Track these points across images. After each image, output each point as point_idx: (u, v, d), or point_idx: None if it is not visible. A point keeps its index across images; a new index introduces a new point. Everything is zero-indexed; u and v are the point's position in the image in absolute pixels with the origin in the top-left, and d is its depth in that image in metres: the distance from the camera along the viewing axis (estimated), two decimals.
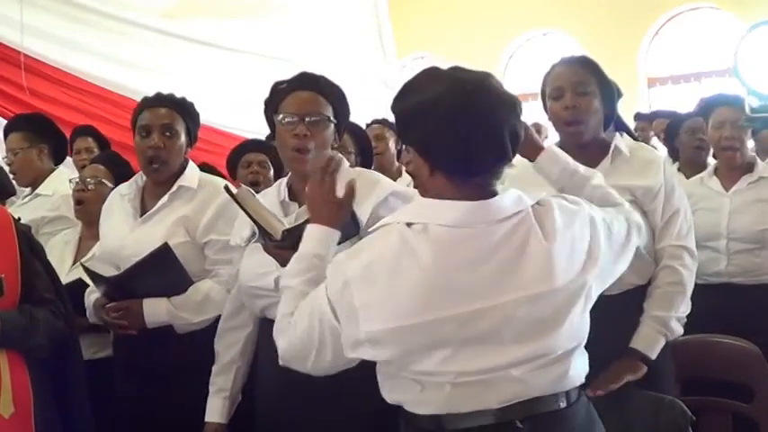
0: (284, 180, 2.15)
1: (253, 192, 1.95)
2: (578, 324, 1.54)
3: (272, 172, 3.59)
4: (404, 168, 3.72)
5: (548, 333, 1.49)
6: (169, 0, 6.79)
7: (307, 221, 1.80)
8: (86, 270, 2.40)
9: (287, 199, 2.09)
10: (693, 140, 3.91)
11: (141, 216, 2.45)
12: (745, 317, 2.86)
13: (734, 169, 3.12)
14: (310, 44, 7.10)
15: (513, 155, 1.51)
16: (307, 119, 1.99)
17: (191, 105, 2.52)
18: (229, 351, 2.17)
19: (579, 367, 1.57)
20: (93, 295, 2.46)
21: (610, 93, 2.27)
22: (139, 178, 2.53)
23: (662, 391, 2.10)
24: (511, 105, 1.49)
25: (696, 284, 2.28)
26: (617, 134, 2.30)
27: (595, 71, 2.26)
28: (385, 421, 1.67)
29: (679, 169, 3.90)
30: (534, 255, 1.47)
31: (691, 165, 3.85)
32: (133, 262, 2.32)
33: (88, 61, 6.10)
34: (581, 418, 1.56)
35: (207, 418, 2.14)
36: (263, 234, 1.87)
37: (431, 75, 1.53)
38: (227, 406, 2.15)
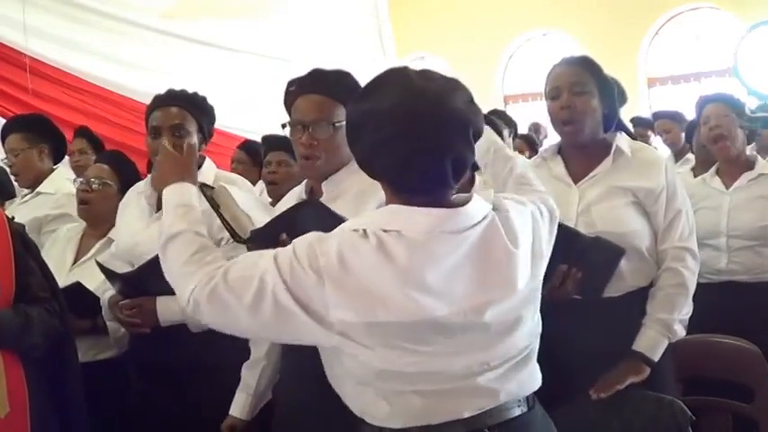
0: (302, 184, 2.13)
1: (229, 191, 1.92)
2: (533, 324, 1.56)
3: (296, 168, 3.53)
4: None
5: (510, 336, 1.49)
6: (169, 0, 6.80)
7: (272, 221, 1.79)
8: (101, 267, 2.40)
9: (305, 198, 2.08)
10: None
11: (157, 213, 2.45)
12: (747, 315, 2.86)
13: (732, 164, 3.12)
14: (310, 44, 7.11)
15: (457, 182, 1.47)
16: (311, 128, 1.96)
17: (203, 101, 2.50)
18: (258, 349, 2.14)
19: (535, 373, 1.57)
20: (108, 293, 2.45)
21: (609, 92, 2.26)
22: None
23: (662, 391, 2.10)
24: (462, 128, 1.45)
25: (698, 283, 2.28)
26: (619, 134, 2.30)
27: (594, 71, 2.26)
28: None
29: (692, 168, 3.90)
30: (502, 260, 1.47)
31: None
32: (147, 259, 2.31)
33: (89, 61, 6.12)
34: (539, 422, 1.57)
35: (231, 411, 2.12)
36: (231, 234, 1.88)
37: (391, 82, 1.47)
38: (251, 403, 2.11)
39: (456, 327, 1.43)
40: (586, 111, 2.21)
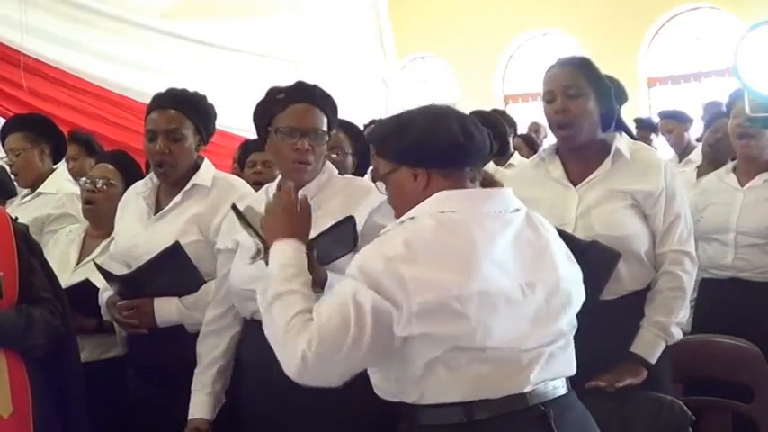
0: (273, 185, 2.17)
1: (256, 211, 1.94)
2: (574, 314, 1.66)
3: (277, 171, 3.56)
4: None
5: (560, 317, 1.59)
6: (169, 0, 6.79)
7: (314, 239, 1.80)
8: (99, 268, 2.39)
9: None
10: (710, 138, 3.93)
11: (155, 214, 2.45)
12: (752, 314, 2.85)
13: (751, 163, 3.07)
14: (310, 44, 7.11)
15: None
16: (308, 134, 2.03)
17: (202, 101, 2.49)
18: (212, 353, 2.18)
19: (573, 357, 1.66)
20: (106, 293, 2.45)
21: (605, 92, 2.24)
22: (154, 176, 2.52)
23: (659, 391, 2.10)
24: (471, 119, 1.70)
25: (703, 279, 2.27)
26: (618, 135, 2.28)
27: (588, 72, 2.24)
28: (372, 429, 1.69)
29: (698, 167, 3.90)
30: (542, 247, 1.62)
31: (711, 164, 3.88)
32: (145, 260, 2.31)
33: (88, 61, 6.10)
34: (579, 405, 1.65)
35: (190, 415, 2.14)
36: (267, 253, 1.85)
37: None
38: (211, 402, 2.15)
39: (518, 300, 1.52)
40: (581, 114, 2.20)
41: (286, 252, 1.65)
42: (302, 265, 1.64)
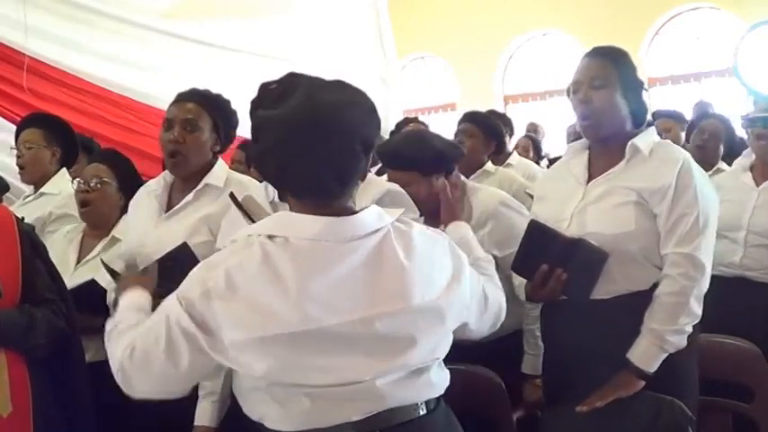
0: None
1: (256, 200, 1.94)
2: (438, 342, 1.56)
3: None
4: None
5: (406, 349, 1.49)
6: (169, 0, 6.79)
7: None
8: (106, 267, 2.39)
9: (276, 200, 2.08)
10: (696, 139, 3.95)
11: (167, 212, 2.43)
12: (752, 313, 2.85)
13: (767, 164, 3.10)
14: (310, 44, 7.11)
15: (345, 189, 1.51)
16: None
17: (224, 103, 2.48)
18: None
19: (439, 379, 1.58)
20: (113, 294, 2.44)
21: (635, 87, 2.17)
22: (168, 174, 2.50)
23: (680, 395, 2.04)
24: (346, 139, 1.48)
25: (711, 275, 2.20)
26: (646, 131, 2.19)
27: (618, 64, 2.18)
28: None
29: None
30: (393, 271, 1.48)
31: (699, 165, 3.88)
32: (153, 260, 2.30)
33: (88, 61, 6.10)
34: (440, 424, 1.58)
35: (196, 422, 2.12)
36: None
37: (297, 91, 1.50)
38: (217, 409, 2.13)
39: (346, 336, 1.44)
40: (604, 106, 2.13)
41: (131, 297, 1.76)
42: (144, 306, 1.72)
